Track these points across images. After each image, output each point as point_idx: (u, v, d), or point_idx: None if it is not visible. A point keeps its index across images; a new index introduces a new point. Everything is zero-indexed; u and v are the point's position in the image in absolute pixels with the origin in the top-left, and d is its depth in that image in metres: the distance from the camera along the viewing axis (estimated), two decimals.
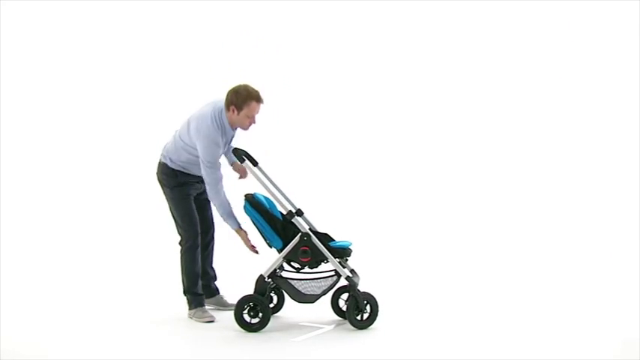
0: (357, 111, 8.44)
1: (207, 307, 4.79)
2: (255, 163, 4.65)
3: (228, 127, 4.53)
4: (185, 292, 4.75)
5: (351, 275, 4.45)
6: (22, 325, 4.68)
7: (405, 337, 4.36)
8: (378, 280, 5.31)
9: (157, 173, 4.73)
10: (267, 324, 4.42)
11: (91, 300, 5.35)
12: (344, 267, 4.49)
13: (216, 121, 4.46)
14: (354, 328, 4.44)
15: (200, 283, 4.76)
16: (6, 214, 7.67)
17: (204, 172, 4.49)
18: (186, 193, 4.66)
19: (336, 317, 4.70)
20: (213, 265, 4.97)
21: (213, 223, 4.90)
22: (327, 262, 4.47)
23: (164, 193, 4.73)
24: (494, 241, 7.10)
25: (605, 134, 7.95)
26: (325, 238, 4.52)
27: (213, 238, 4.92)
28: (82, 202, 8.00)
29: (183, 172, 4.64)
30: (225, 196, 4.52)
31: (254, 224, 4.49)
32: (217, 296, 4.93)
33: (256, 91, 4.46)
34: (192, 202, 4.70)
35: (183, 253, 4.70)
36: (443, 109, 8.35)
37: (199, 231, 4.71)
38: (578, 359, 3.88)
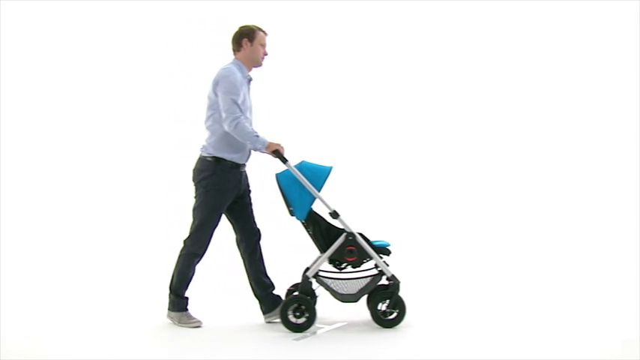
0: (363, 111, 8.39)
1: (270, 319, 4.65)
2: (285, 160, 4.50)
3: (245, 70, 4.55)
4: (170, 292, 4.60)
5: (394, 274, 4.45)
6: (22, 325, 4.67)
7: (404, 336, 4.35)
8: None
9: (195, 170, 4.57)
10: (313, 323, 4.40)
11: (92, 300, 5.35)
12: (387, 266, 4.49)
13: (229, 66, 4.51)
14: (354, 328, 4.43)
15: (187, 288, 4.60)
16: (6, 214, 7.67)
17: (235, 131, 4.34)
18: (219, 202, 4.49)
19: (336, 317, 4.70)
20: (268, 274, 4.73)
21: (257, 229, 4.70)
22: (368, 261, 4.48)
23: (196, 191, 4.55)
24: (494, 241, 7.11)
25: (605, 134, 7.95)
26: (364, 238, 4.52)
27: (258, 245, 4.70)
28: (82, 202, 8.00)
29: (223, 167, 4.48)
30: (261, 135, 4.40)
31: (283, 186, 4.43)
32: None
33: (258, 25, 4.59)
34: (220, 215, 4.53)
35: (183, 254, 4.56)
36: (442, 109, 8.35)
37: (209, 245, 4.55)
38: (578, 359, 3.87)
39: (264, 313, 4.69)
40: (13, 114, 8.06)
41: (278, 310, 4.56)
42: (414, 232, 7.36)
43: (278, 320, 4.54)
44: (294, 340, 4.27)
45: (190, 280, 4.61)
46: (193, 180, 4.58)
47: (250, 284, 4.71)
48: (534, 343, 4.18)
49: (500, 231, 7.37)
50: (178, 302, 4.59)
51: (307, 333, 4.39)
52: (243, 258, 4.71)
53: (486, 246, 7.02)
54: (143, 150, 8.22)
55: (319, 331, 4.43)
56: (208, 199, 4.49)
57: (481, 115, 8.27)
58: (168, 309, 4.63)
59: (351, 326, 4.49)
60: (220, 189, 4.49)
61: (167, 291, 4.64)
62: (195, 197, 4.57)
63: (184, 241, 4.59)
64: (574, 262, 6.47)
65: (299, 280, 4.56)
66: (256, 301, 4.72)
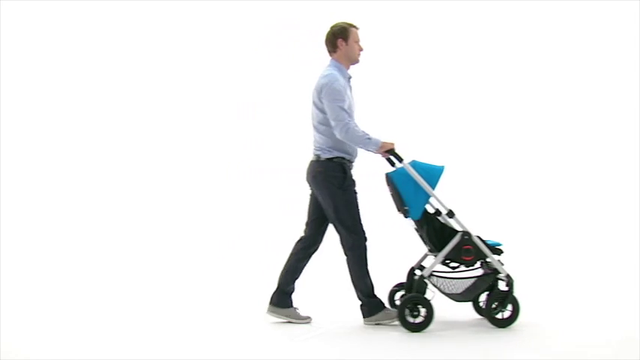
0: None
1: (277, 318, 4.65)
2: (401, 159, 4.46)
3: (345, 71, 4.53)
4: (366, 298, 4.51)
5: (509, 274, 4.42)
6: (22, 325, 4.67)
7: (405, 336, 4.35)
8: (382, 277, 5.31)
9: (320, 173, 4.51)
10: (431, 321, 4.36)
11: (92, 300, 5.36)
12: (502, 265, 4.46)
13: (330, 71, 4.48)
14: (354, 328, 4.44)
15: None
16: (6, 215, 7.68)
17: (347, 136, 4.34)
18: (356, 197, 4.51)
19: (337, 317, 4.70)
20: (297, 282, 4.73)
21: (320, 241, 4.68)
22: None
23: (333, 195, 4.47)
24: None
25: (605, 134, 7.95)
26: None
27: (312, 255, 4.69)
28: (82, 202, 8.01)
29: (345, 165, 4.49)
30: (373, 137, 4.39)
31: (398, 185, 4.38)
32: (291, 308, 4.68)
33: (349, 22, 4.58)
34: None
35: (357, 257, 4.48)
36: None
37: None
38: (578, 359, 3.87)
39: (273, 304, 4.68)
40: (13, 114, 8.08)
41: (284, 310, 4.64)
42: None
43: (277, 317, 4.63)
44: (294, 340, 4.27)
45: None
46: (319, 184, 4.51)
47: (281, 274, 4.68)
48: (534, 342, 4.18)
49: (498, 230, 7.34)
50: (380, 302, 4.53)
51: (311, 332, 4.39)
52: (293, 251, 4.69)
53: None
54: (143, 151, 8.22)
55: (319, 331, 4.42)
56: (348, 197, 4.49)
57: (490, 117, 8.20)
58: (370, 315, 4.53)
59: (350, 325, 4.47)
60: (352, 185, 4.53)
61: (357, 302, 4.54)
62: (330, 201, 4.48)
63: (347, 249, 4.50)
64: (574, 262, 6.47)
65: (391, 280, 4.67)
66: (273, 290, 4.68)
